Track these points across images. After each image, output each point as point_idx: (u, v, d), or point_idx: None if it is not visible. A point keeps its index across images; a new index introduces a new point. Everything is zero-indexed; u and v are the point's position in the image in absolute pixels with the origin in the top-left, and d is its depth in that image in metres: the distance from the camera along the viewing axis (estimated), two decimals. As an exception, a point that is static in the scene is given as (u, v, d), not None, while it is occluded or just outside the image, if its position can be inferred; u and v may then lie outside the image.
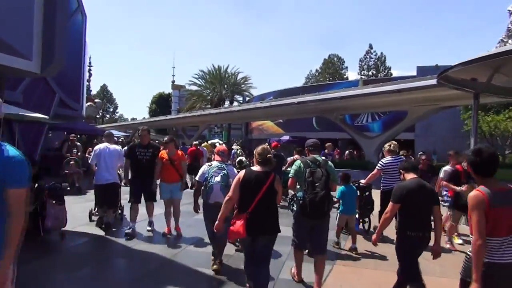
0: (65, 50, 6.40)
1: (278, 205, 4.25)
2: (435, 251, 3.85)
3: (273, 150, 10.15)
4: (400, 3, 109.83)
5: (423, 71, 24.87)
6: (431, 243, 3.89)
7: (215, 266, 5.03)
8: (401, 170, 4.21)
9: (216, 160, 5.39)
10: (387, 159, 6.78)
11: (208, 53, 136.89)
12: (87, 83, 51.68)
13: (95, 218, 7.52)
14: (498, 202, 2.71)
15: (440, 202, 6.88)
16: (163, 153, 6.87)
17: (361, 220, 7.53)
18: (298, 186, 4.58)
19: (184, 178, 6.99)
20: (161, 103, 71.75)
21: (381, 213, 5.48)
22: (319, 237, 4.56)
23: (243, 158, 6.76)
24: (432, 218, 3.95)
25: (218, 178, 4.99)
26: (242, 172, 4.12)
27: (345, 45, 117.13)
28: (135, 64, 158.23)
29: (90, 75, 52.08)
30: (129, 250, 6.02)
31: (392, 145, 6.92)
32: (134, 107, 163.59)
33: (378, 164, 6.89)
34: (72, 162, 11.49)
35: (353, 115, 32.58)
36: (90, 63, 55.03)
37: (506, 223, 2.73)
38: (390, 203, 3.89)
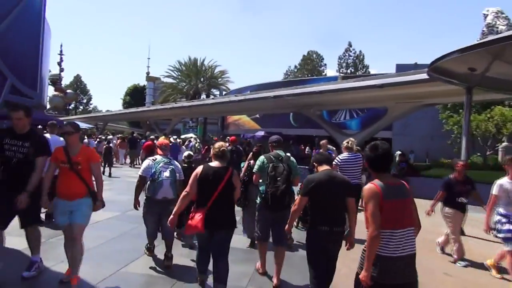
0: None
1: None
2: (349, 242, 3.79)
3: (231, 145, 10.20)
4: (379, 2, 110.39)
5: (402, 69, 24.19)
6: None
7: (166, 263, 4.97)
8: (314, 163, 4.14)
9: (159, 155, 5.22)
10: (344, 155, 6.91)
11: (185, 45, 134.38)
12: (59, 73, 49.05)
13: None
14: (391, 195, 2.86)
15: (493, 233, 5.45)
16: (58, 151, 4.22)
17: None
18: (261, 181, 4.77)
19: (99, 190, 4.30)
20: (135, 95, 69.56)
21: None
22: (280, 229, 4.55)
23: (191, 153, 6.70)
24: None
25: (167, 173, 4.93)
26: (200, 168, 4.10)
27: (324, 42, 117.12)
28: (110, 54, 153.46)
29: (62, 64, 49.38)
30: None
31: (349, 142, 7.09)
32: (108, 99, 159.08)
33: (335, 160, 6.82)
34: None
35: (331, 112, 31.76)
36: (61, 51, 52.29)
37: (397, 216, 2.86)
38: (299, 196, 3.87)
